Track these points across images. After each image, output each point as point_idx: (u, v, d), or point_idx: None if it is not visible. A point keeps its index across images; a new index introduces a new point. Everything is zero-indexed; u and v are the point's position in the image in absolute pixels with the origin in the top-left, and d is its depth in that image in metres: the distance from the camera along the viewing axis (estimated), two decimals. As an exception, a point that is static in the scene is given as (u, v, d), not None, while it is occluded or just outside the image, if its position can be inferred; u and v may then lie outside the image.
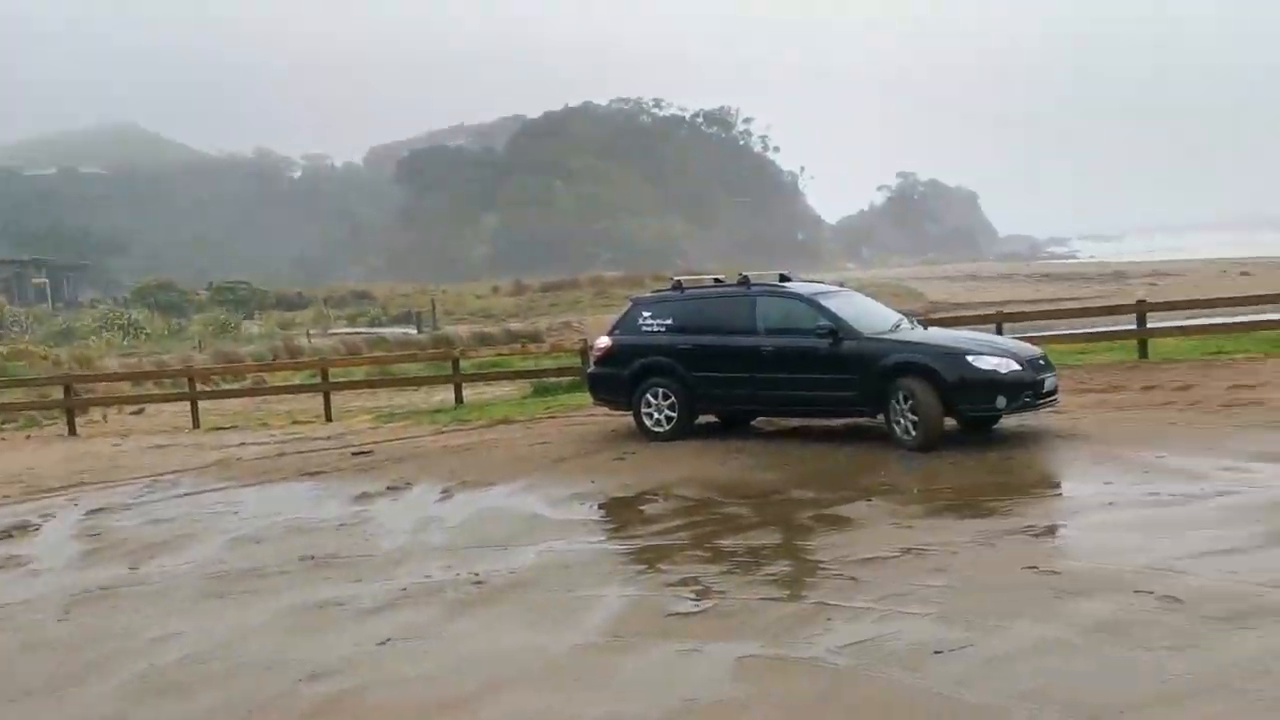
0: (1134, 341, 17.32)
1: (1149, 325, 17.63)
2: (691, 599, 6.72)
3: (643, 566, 7.67)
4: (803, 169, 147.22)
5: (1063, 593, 6.27)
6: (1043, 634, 5.63)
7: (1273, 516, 7.55)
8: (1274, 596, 5.90)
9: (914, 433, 11.02)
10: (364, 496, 11.02)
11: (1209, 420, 11.53)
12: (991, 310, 20.27)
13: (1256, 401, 12.34)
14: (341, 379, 21.31)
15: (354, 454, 13.98)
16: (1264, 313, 19.59)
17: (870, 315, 12.37)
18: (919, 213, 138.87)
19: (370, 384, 22.00)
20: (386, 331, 45.48)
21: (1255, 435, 10.54)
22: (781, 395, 12.18)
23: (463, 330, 42.48)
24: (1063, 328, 21.95)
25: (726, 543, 8.09)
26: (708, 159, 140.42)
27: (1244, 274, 51.02)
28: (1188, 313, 22.51)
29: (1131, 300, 19.90)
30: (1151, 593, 6.11)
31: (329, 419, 18.90)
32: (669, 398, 12.76)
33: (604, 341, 13.63)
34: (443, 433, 15.46)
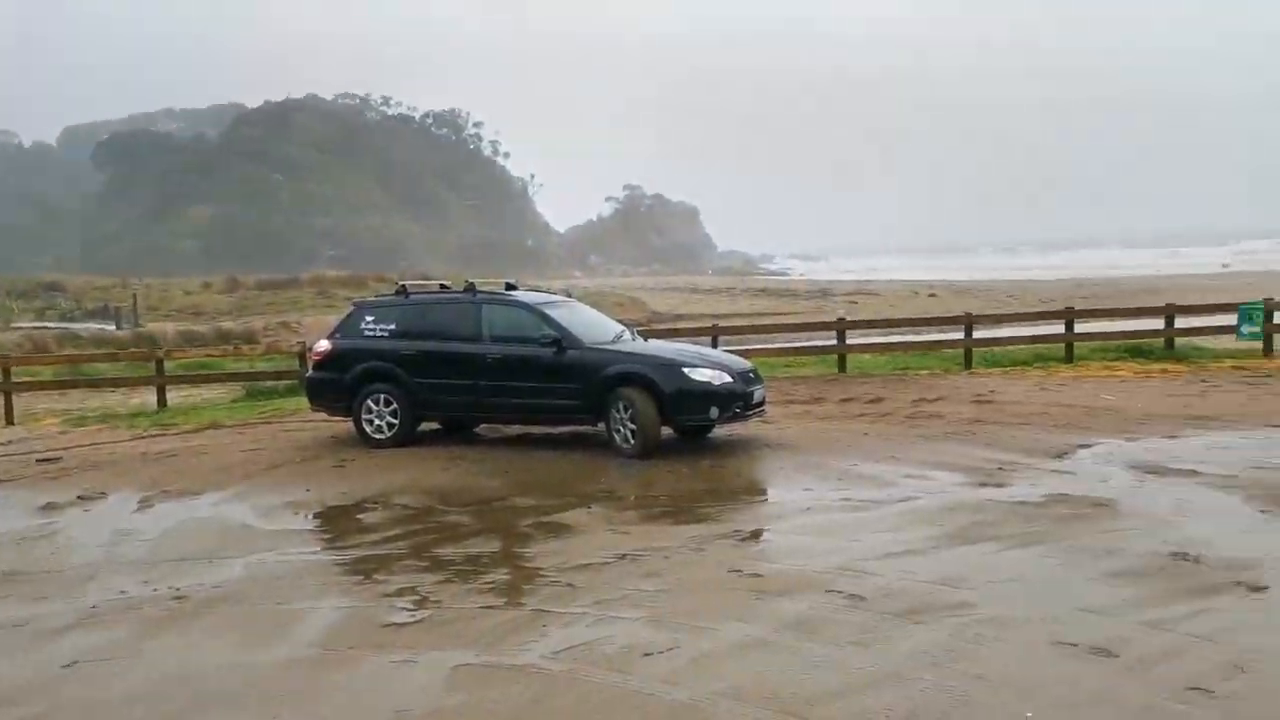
0: (835, 356, 18.60)
1: (848, 341, 18.99)
2: (408, 609, 6.66)
3: (359, 577, 7.52)
4: (533, 176, 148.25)
5: (763, 594, 6.67)
6: (744, 633, 5.97)
7: (946, 520, 8.35)
8: (943, 594, 6.54)
9: (633, 441, 11.39)
10: (50, 507, 10.18)
11: (896, 431, 12.57)
12: (708, 324, 21.18)
13: (937, 415, 13.57)
14: (25, 378, 19.51)
15: (39, 460, 12.87)
16: (946, 332, 21.54)
17: (593, 326, 12.66)
18: (644, 225, 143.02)
19: (60, 385, 20.29)
20: (80, 327, 42.02)
21: (935, 445, 11.59)
22: (505, 403, 12.25)
23: (169, 328, 39.93)
24: (774, 341, 23.26)
25: (446, 551, 8.06)
26: (437, 161, 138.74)
27: (931, 295, 55.87)
28: (882, 330, 24.46)
29: (832, 318, 21.36)
30: (841, 592, 6.62)
31: (10, 422, 17.28)
32: (391, 404, 12.55)
33: (324, 345, 13.24)
34: (143, 438, 14.49)
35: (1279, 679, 5.14)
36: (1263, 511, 8.37)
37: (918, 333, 25.93)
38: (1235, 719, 4.74)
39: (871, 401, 14.88)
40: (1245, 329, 18.50)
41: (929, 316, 30.93)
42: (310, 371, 13.60)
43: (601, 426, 11.85)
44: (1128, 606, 6.22)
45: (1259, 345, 18.33)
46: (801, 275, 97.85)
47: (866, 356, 19.69)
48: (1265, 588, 6.47)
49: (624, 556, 7.65)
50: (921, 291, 59.37)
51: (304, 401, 14.27)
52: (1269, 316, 18.35)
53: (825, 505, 9.08)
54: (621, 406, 11.47)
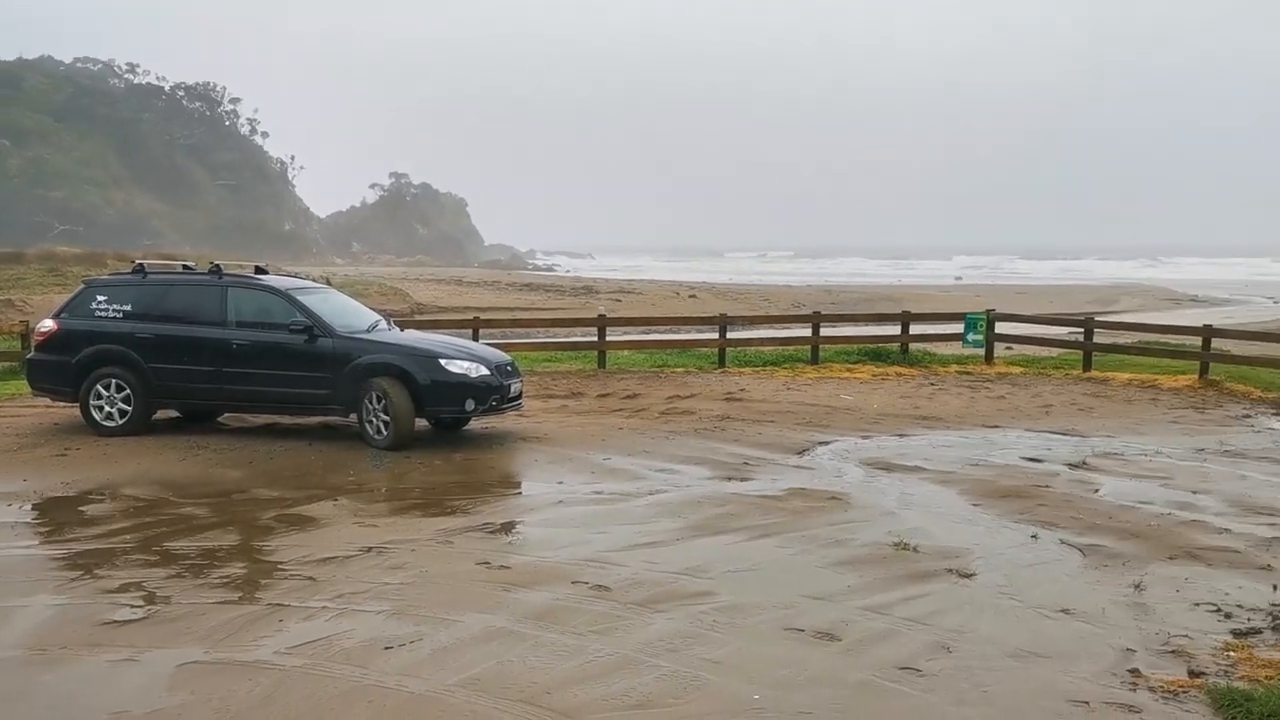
0: (595, 352, 18.84)
1: (608, 338, 19.28)
2: (131, 606, 6.27)
3: (78, 573, 7.00)
4: (293, 158, 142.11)
5: (510, 585, 6.68)
6: (488, 624, 5.97)
7: (689, 512, 8.62)
8: (683, 583, 6.75)
9: (385, 432, 11.15)
10: None
11: (650, 426, 12.87)
12: (470, 316, 21.00)
13: (690, 411, 13.99)
14: None
15: None
16: (703, 332, 22.24)
17: (348, 314, 12.31)
18: (410, 214, 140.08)
19: None
20: None
21: (685, 441, 11.95)
22: (252, 391, 11.73)
23: None
24: (536, 336, 23.33)
25: (178, 545, 7.64)
26: (188, 136, 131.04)
27: (692, 296, 57.45)
28: (642, 328, 24.95)
29: (594, 314, 21.64)
30: (587, 583, 6.72)
31: None
32: (123, 389, 11.78)
33: (48, 325, 12.27)
34: None
35: (978, 658, 5.59)
36: (974, 505, 9.08)
37: (676, 331, 26.68)
38: (938, 694, 5.13)
39: (628, 397, 15.17)
40: (970, 337, 20.03)
41: (687, 316, 31.85)
42: (32, 353, 12.58)
43: (353, 418, 11.54)
44: (852, 593, 6.62)
45: (982, 352, 19.89)
46: (568, 272, 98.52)
47: (626, 353, 20.05)
48: (973, 574, 7.04)
49: (370, 549, 7.48)
50: (683, 292, 60.89)
51: (25, 385, 13.17)
52: (991, 326, 19.94)
53: (577, 498, 9.19)
54: (375, 397, 11.21)
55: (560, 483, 9.80)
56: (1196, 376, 16.87)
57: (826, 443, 11.95)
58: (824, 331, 20.19)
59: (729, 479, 10.00)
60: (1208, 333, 17.64)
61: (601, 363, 18.52)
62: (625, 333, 23.81)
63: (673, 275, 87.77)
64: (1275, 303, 52.25)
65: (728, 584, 6.77)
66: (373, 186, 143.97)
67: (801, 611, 6.24)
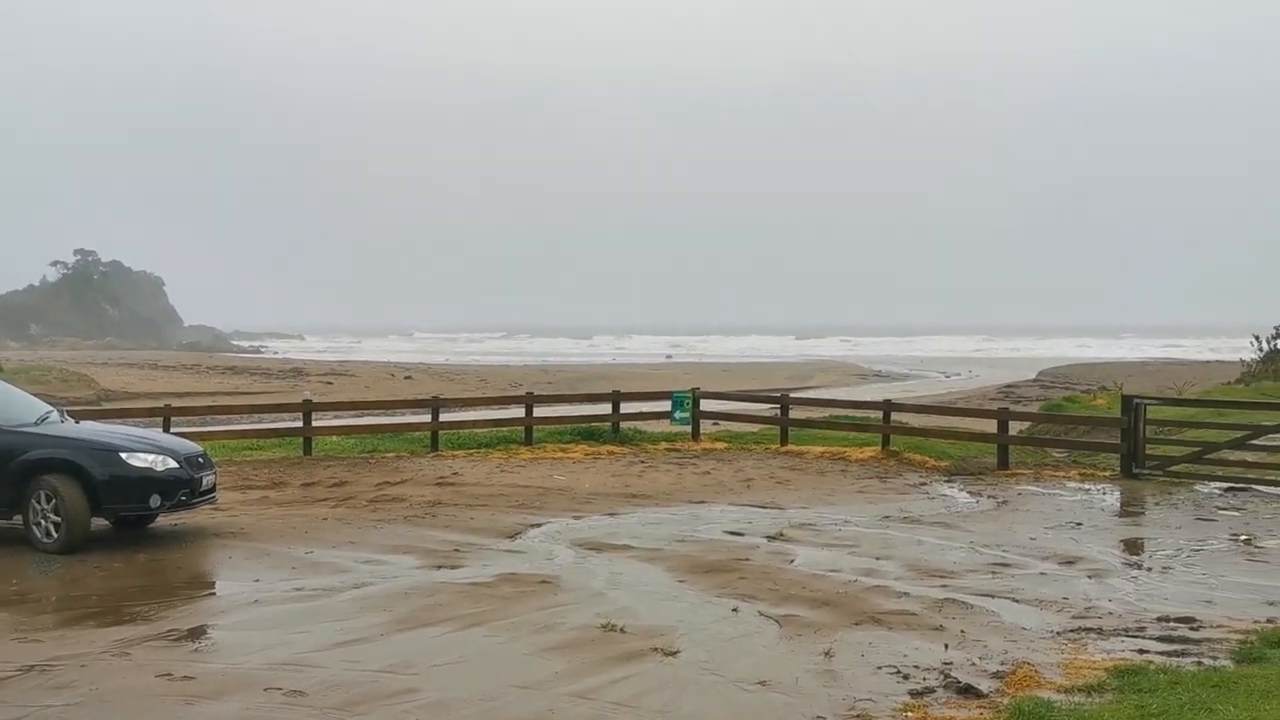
0: (300, 439, 18.05)
1: (315, 423, 18.55)
2: None
3: None
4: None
5: (194, 698, 6.19)
6: (167, 745, 5.47)
7: (397, 605, 8.34)
8: (385, 682, 6.48)
9: (56, 535, 10.16)
10: None
11: (358, 515, 12.42)
12: (162, 403, 19.64)
13: (400, 498, 13.62)
14: None
15: None
16: (418, 414, 21.82)
17: (12, 405, 11.19)
18: (99, 294, 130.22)
19: None
20: None
21: (394, 529, 11.60)
22: (-108, 493, 10.38)
23: None
24: (237, 422, 22.11)
25: None
26: None
27: (408, 377, 56.49)
28: (352, 412, 24.23)
29: (300, 399, 20.80)
30: (280, 689, 6.32)
31: None
32: None
33: None
34: None
35: (681, 735, 5.68)
36: (680, 581, 9.31)
37: (389, 415, 26.06)
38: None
39: (335, 485, 14.61)
40: (678, 415, 20.74)
41: (399, 399, 31.21)
42: None
43: (19, 519, 10.44)
44: (560, 679, 6.58)
45: (689, 429, 20.63)
46: (276, 354, 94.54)
47: (334, 439, 19.35)
48: (677, 652, 7.17)
49: (31, 668, 6.73)
50: (398, 373, 59.82)
51: None
52: (696, 404, 20.75)
53: (274, 596, 8.69)
54: (43, 496, 10.21)
55: (257, 580, 9.24)
56: (880, 448, 18.22)
57: (539, 525, 11.94)
58: (538, 412, 20.31)
59: (439, 567, 9.77)
60: (888, 407, 19.12)
61: (307, 449, 17.76)
62: (336, 417, 23.04)
63: (389, 356, 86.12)
64: (947, 377, 57.57)
65: (433, 679, 6.56)
66: (54, 264, 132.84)
67: (507, 704, 6.13)
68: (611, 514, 12.74)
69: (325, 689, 6.32)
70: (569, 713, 5.99)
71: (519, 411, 20.39)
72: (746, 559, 10.15)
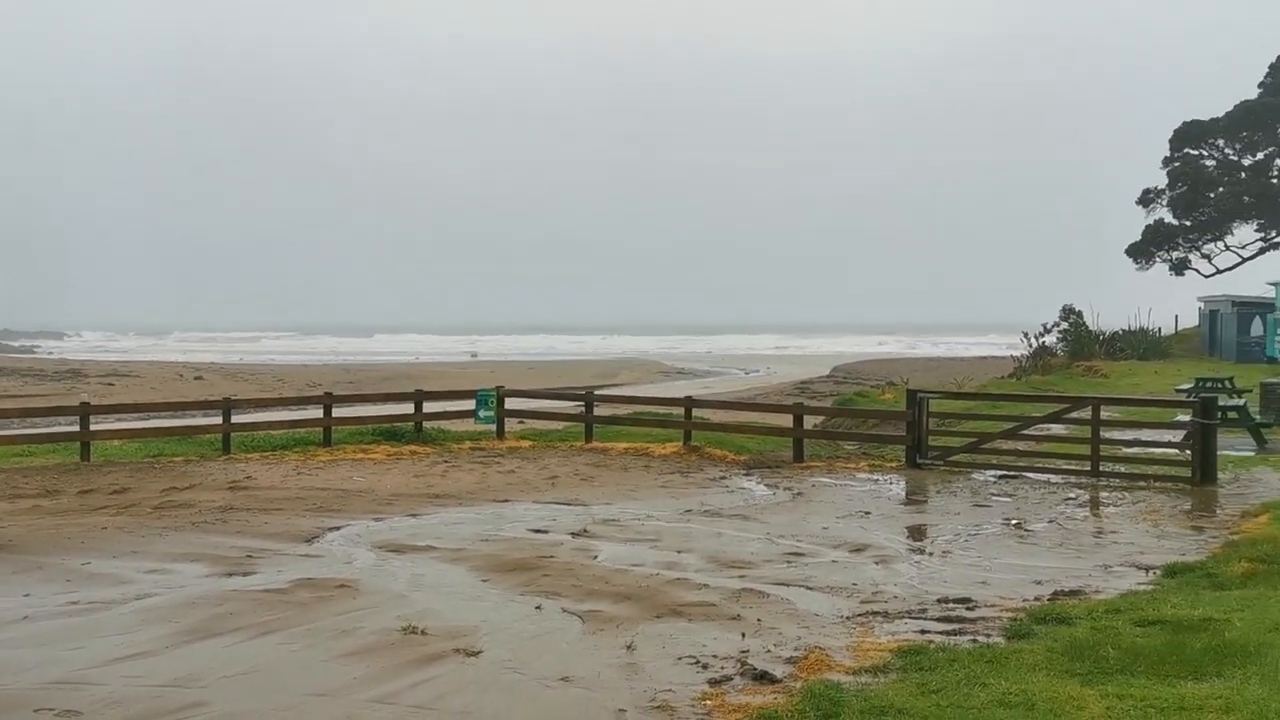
0: (77, 444, 16.96)
1: (93, 427, 17.46)
2: None
3: None
4: None
5: (-47, 725, 5.73)
6: (-80, 777, 5.05)
7: (183, 616, 7.96)
8: (170, 697, 6.17)
9: None
10: None
11: (141, 523, 11.77)
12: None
13: (189, 504, 12.99)
14: None
15: None
16: (209, 416, 20.83)
17: None
18: None
19: None
20: None
21: (182, 536, 11.06)
22: None
23: None
24: (7, 426, 20.54)
25: None
26: None
27: (198, 378, 53.85)
28: (137, 414, 22.92)
29: (76, 401, 19.53)
30: (53, 709, 5.94)
31: None
32: None
33: None
34: None
35: (484, 735, 5.65)
36: (484, 580, 9.25)
37: (177, 416, 24.79)
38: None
39: (116, 492, 13.79)
40: (482, 413, 20.58)
41: (189, 400, 29.68)
42: None
43: None
44: (359, 685, 6.42)
45: (494, 428, 20.50)
46: (50, 354, 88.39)
47: (116, 443, 18.26)
48: (479, 652, 7.12)
49: None
50: (188, 373, 56.93)
51: None
52: (501, 402, 20.63)
53: (47, 611, 8.14)
54: None
55: (27, 595, 8.63)
56: (682, 443, 18.59)
57: (338, 528, 11.62)
58: (337, 412, 19.75)
59: (230, 575, 9.37)
60: (689, 403, 19.54)
61: (85, 455, 16.69)
62: (118, 420, 21.74)
63: (178, 356, 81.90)
64: (747, 374, 59.25)
65: (223, 692, 6.29)
66: None
67: (303, 713, 5.95)
68: (414, 515, 12.53)
69: (103, 707, 5.97)
70: (370, 718, 5.86)
71: (317, 412, 19.79)
72: (551, 556, 10.17)
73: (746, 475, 16.11)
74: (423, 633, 7.50)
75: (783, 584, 9.07)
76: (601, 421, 20.30)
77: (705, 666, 6.75)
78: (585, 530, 11.52)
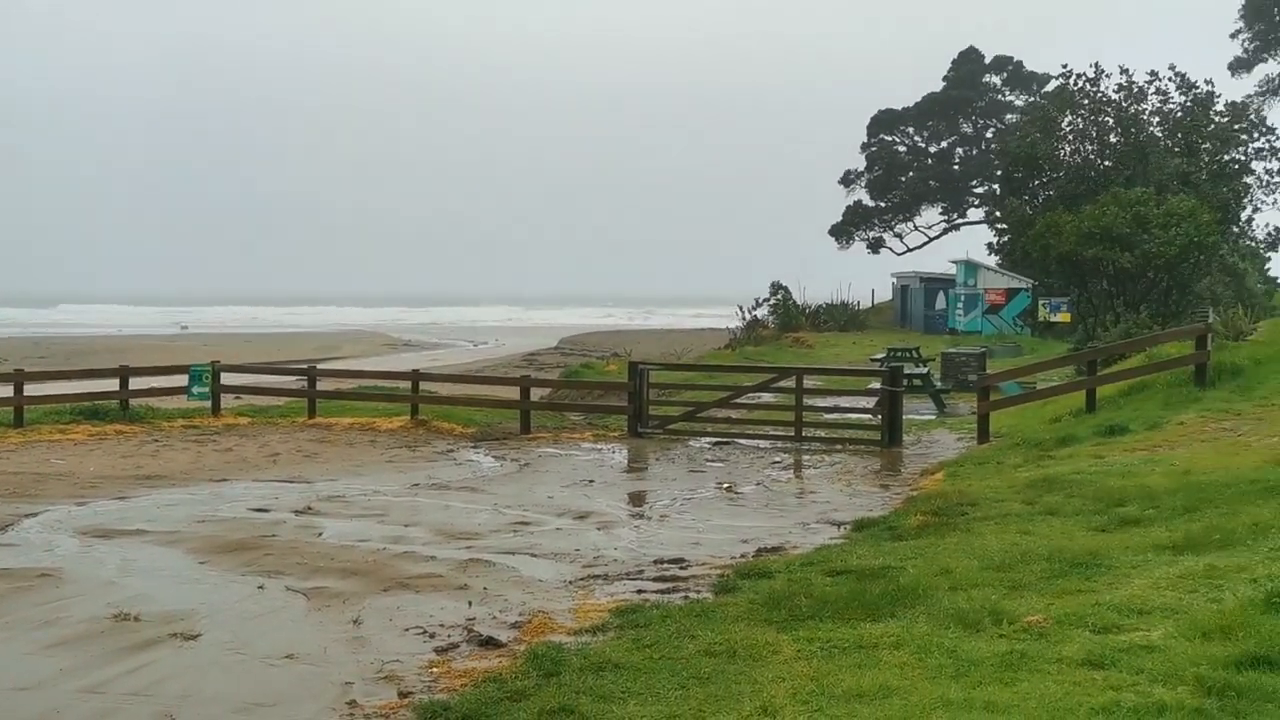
0: None
1: None
2: None
3: None
4: None
5: None
6: None
7: None
8: None
9: None
10: None
11: None
12: None
13: None
14: None
15: None
16: None
17: None
18: None
19: None
20: None
21: None
22: None
23: None
24: None
25: None
26: None
27: None
28: None
29: None
30: None
31: None
32: None
33: None
34: None
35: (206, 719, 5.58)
36: (201, 563, 8.98)
37: None
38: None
39: None
40: (195, 389, 19.61)
41: None
42: None
43: None
44: (65, 676, 6.16)
45: (209, 404, 19.59)
46: None
47: None
48: (198, 635, 6.96)
49: None
50: None
51: None
52: (216, 378, 19.74)
53: None
54: None
55: None
56: (409, 417, 18.50)
57: (35, 514, 10.89)
58: (30, 390, 18.29)
59: (-91, 570, 8.62)
60: (416, 377, 19.45)
61: None
62: None
63: None
64: (475, 346, 59.16)
65: (-92, 694, 5.86)
66: None
67: (4, 709, 5.65)
68: (122, 498, 11.90)
69: None
70: (77, 710, 5.65)
71: (6, 390, 18.24)
72: (273, 535, 9.98)
73: (474, 448, 16.27)
74: (136, 619, 7.24)
75: (509, 553, 9.34)
76: (325, 396, 19.86)
77: (432, 636, 6.92)
78: (309, 508, 11.35)
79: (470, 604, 7.66)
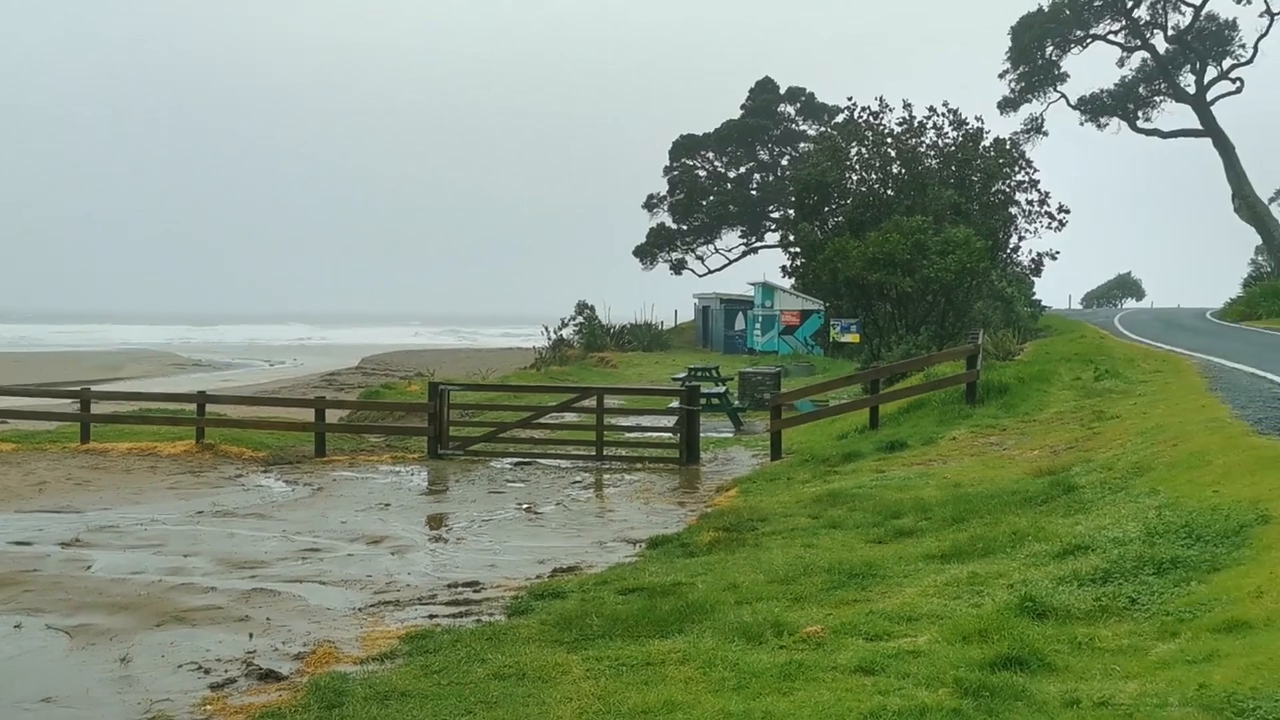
0: None
1: None
2: None
3: None
4: None
5: None
6: None
7: None
8: None
9: None
10: None
11: None
12: None
13: None
14: None
15: None
16: None
17: None
18: None
19: None
20: None
21: None
22: None
23: None
24: None
25: None
26: None
27: None
28: None
29: None
30: None
31: None
32: None
33: None
34: None
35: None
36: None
37: None
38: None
39: None
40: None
41: None
42: None
43: None
44: None
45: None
46: None
47: None
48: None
49: None
50: None
51: None
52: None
53: None
54: None
55: None
56: (194, 442, 17.62)
57: None
58: None
59: None
60: (202, 399, 18.55)
61: None
62: None
63: None
64: (272, 365, 56.99)
65: None
66: None
67: None
68: None
69: None
70: None
71: None
72: (35, 570, 9.32)
73: (265, 472, 15.66)
74: None
75: (296, 581, 9.02)
76: (101, 420, 18.70)
77: (208, 671, 6.60)
78: (78, 539, 10.65)
79: (251, 636, 7.35)
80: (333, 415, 20.30)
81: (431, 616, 7.79)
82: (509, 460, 16.86)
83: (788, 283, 43.87)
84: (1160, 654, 5.23)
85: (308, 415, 18.47)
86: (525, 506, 12.98)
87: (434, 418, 17.29)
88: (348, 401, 25.50)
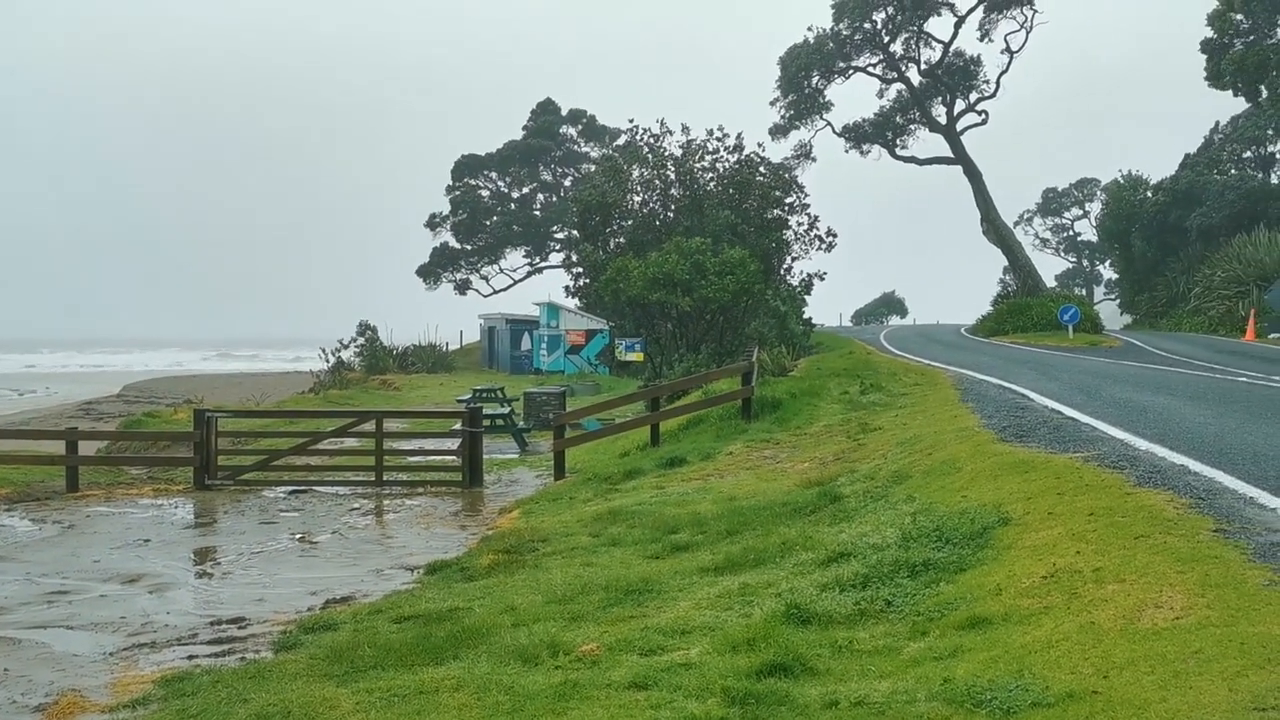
0: None
1: None
2: None
3: None
4: None
5: None
6: None
7: None
8: None
9: None
10: None
11: None
12: None
13: None
14: None
15: None
16: None
17: None
18: None
19: None
20: None
21: None
22: None
23: None
24: None
25: None
26: None
27: None
28: None
29: None
30: None
31: None
32: None
33: None
34: None
35: None
36: None
37: None
38: None
39: None
40: None
41: None
42: None
43: None
44: None
45: None
46: None
47: None
48: None
49: None
50: None
51: None
52: None
53: None
54: None
55: None
56: (-74, 480, 16.07)
57: None
58: None
59: None
60: (-64, 433, 16.97)
61: None
62: None
63: None
64: (20, 395, 52.76)
65: None
66: None
67: None
68: None
69: None
70: None
71: None
72: None
73: (8, 511, 14.45)
74: None
75: (40, 627, 8.37)
76: None
77: (-70, 733, 6.02)
78: None
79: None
80: (89, 447, 19.00)
81: (191, 657, 7.37)
82: (283, 489, 16.20)
83: (573, 303, 44.18)
84: (911, 653, 5.52)
85: (58, 447, 17.18)
86: (299, 536, 12.50)
87: (199, 446, 16.42)
88: (105, 432, 23.91)
